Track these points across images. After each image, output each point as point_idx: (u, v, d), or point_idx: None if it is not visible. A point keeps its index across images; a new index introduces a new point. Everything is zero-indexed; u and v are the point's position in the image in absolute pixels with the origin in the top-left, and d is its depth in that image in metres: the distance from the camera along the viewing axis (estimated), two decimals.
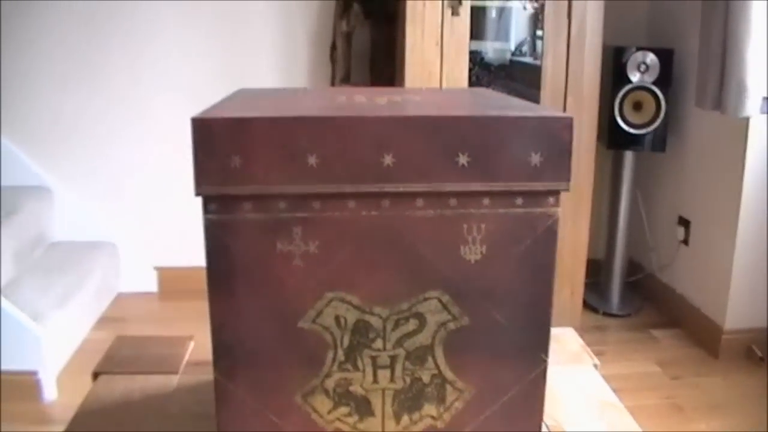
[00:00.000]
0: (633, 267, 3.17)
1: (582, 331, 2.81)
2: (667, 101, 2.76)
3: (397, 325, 0.65)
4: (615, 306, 3.06)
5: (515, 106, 0.70)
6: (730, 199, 2.57)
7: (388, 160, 0.61)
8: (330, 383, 0.66)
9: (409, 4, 2.45)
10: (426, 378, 0.67)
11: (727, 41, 2.30)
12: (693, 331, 2.82)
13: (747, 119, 2.42)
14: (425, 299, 0.64)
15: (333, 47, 2.86)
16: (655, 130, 2.80)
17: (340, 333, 0.65)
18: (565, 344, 1.12)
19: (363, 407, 0.67)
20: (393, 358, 0.66)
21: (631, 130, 2.81)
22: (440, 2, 2.47)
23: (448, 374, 0.67)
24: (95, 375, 1.03)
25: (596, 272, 3.10)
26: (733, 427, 2.21)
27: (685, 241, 2.90)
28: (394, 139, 0.60)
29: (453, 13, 2.48)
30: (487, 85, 2.79)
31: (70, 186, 3.09)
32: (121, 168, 3.06)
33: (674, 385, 2.50)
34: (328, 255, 0.63)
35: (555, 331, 1.17)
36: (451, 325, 0.65)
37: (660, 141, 2.85)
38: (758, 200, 2.52)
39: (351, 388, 0.66)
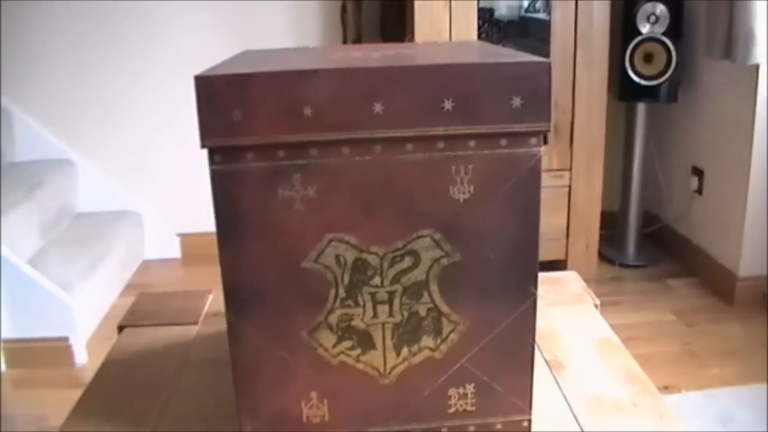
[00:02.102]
0: (648, 218, 3.19)
1: (598, 282, 2.89)
2: (677, 52, 2.77)
3: (393, 262, 0.69)
4: (631, 257, 3.09)
5: (498, 54, 0.74)
6: (742, 148, 2.58)
7: (378, 108, 0.65)
8: (333, 319, 0.71)
9: None
10: (422, 312, 0.71)
11: None
12: (708, 280, 2.86)
13: (756, 67, 2.42)
14: (418, 237, 0.69)
15: (344, 9, 2.89)
16: (667, 81, 2.81)
17: (340, 271, 0.69)
18: (568, 286, 1.16)
19: (365, 341, 0.72)
20: (391, 294, 0.70)
21: (643, 82, 2.82)
22: None
23: (443, 308, 0.71)
24: (120, 328, 1.09)
25: (612, 224, 3.13)
26: (747, 372, 2.25)
27: (699, 191, 2.92)
28: (382, 88, 0.65)
29: None
30: (497, 42, 2.80)
31: (92, 158, 3.16)
32: (141, 138, 3.12)
33: (689, 332, 2.54)
34: (326, 199, 0.67)
35: (558, 275, 1.22)
36: (444, 261, 0.70)
37: (672, 92, 2.86)
38: None
39: (353, 323, 0.71)
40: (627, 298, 2.82)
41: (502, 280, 0.71)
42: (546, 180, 2.74)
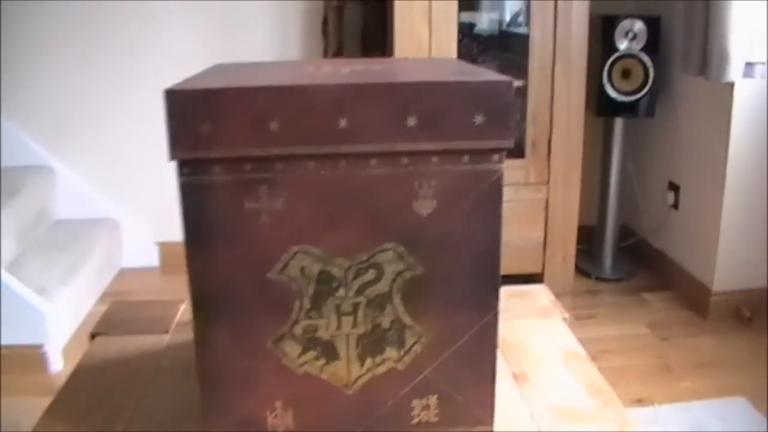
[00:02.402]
0: (625, 232, 3.23)
1: (574, 295, 2.91)
2: (655, 68, 2.81)
3: (357, 274, 0.71)
4: (607, 271, 3.12)
5: (464, 72, 0.75)
6: (717, 163, 2.62)
7: (343, 123, 0.67)
8: (298, 329, 0.72)
9: None
10: (386, 323, 0.73)
11: (710, 8, 2.35)
12: (683, 294, 2.89)
13: (732, 84, 2.46)
14: (382, 250, 0.70)
15: (325, 22, 2.90)
16: (644, 96, 2.85)
17: (305, 283, 0.71)
18: (537, 299, 1.18)
19: (329, 351, 0.73)
20: (355, 306, 0.72)
21: (620, 97, 2.86)
22: None
23: (407, 320, 0.73)
24: (92, 336, 1.09)
25: (589, 238, 3.16)
26: (720, 385, 2.28)
27: (675, 206, 2.96)
28: (347, 104, 0.66)
29: None
30: (477, 56, 2.83)
31: (72, 165, 3.15)
32: (122, 146, 3.12)
33: (663, 345, 2.57)
34: (291, 211, 0.69)
35: (528, 288, 1.24)
36: (407, 274, 0.71)
37: (649, 107, 2.89)
38: (743, 164, 2.57)
39: (317, 334, 0.73)
40: (602, 311, 2.85)
41: (464, 293, 0.73)
42: (523, 193, 2.77)
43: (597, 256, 3.15)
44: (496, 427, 0.79)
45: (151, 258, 3.21)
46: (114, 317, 1.15)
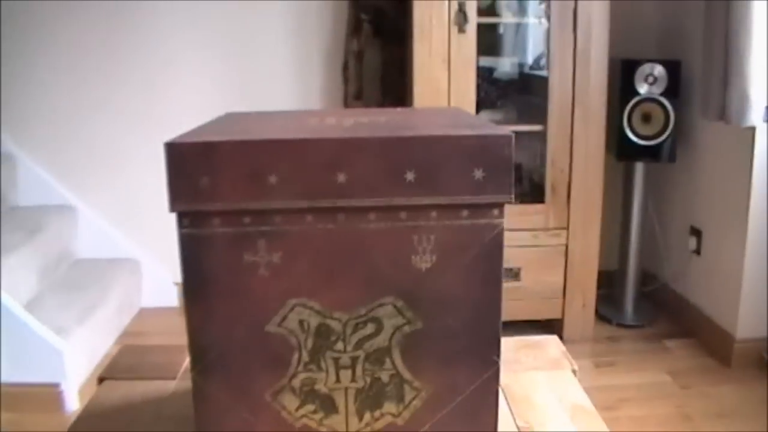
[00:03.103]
0: (647, 278, 3.19)
1: (594, 341, 2.88)
2: (675, 112, 2.79)
3: (356, 328, 0.70)
4: (628, 317, 3.08)
5: (465, 125, 0.75)
6: (739, 208, 2.59)
7: (341, 177, 0.67)
8: (296, 382, 0.72)
9: (416, 22, 2.52)
10: (385, 378, 0.72)
11: (729, 52, 2.34)
12: (705, 341, 2.84)
13: (753, 129, 2.44)
14: (381, 305, 0.70)
15: (345, 66, 2.93)
16: (665, 141, 2.83)
17: (303, 336, 0.70)
18: (546, 350, 1.17)
19: (327, 405, 0.72)
20: (354, 359, 0.71)
21: (641, 142, 2.84)
22: (447, 20, 2.53)
23: (406, 374, 0.72)
24: (100, 380, 1.10)
25: (610, 283, 3.13)
26: None
27: (698, 251, 2.92)
28: (345, 158, 0.66)
29: (459, 31, 2.54)
30: (496, 100, 2.84)
31: (93, 204, 3.19)
32: (141, 186, 3.15)
33: (684, 394, 2.52)
34: (290, 265, 0.69)
35: (538, 338, 1.22)
36: (406, 329, 0.71)
37: (670, 152, 2.87)
38: (766, 208, 2.54)
39: (316, 387, 0.72)
40: (623, 358, 2.80)
41: (464, 348, 0.72)
42: (543, 238, 2.75)
43: (618, 301, 3.12)
44: None
45: (170, 298, 3.22)
46: (123, 362, 1.16)
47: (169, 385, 1.06)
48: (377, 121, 0.80)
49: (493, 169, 0.68)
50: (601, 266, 2.87)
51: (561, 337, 1.28)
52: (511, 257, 2.73)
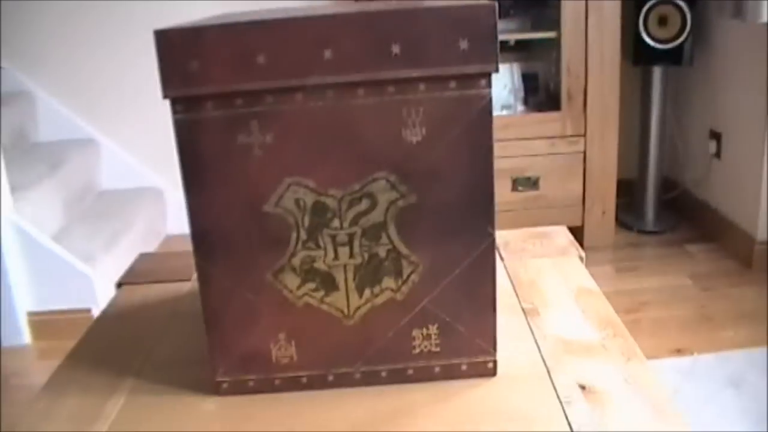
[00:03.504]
0: (667, 184, 3.17)
1: (615, 248, 2.89)
2: (692, 14, 2.74)
3: (351, 205, 0.72)
4: (650, 223, 3.08)
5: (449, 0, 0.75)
6: (757, 110, 2.56)
7: (328, 54, 0.67)
8: (296, 261, 0.74)
9: None
10: (382, 253, 0.74)
11: None
12: (727, 245, 2.84)
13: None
14: (374, 180, 0.71)
15: None
16: (682, 43, 2.78)
17: (300, 214, 0.72)
18: (554, 239, 1.18)
19: (328, 282, 0.75)
20: (350, 236, 0.73)
21: (658, 45, 2.80)
22: None
23: (402, 249, 0.74)
24: (118, 285, 1.13)
25: (630, 191, 3.12)
26: (762, 334, 2.25)
27: (717, 155, 2.90)
28: (331, 35, 0.67)
29: None
30: (509, 9, 2.79)
31: (114, 137, 3.22)
32: (161, 117, 3.16)
33: (705, 296, 2.53)
34: (283, 144, 0.70)
35: (547, 229, 1.24)
36: (401, 203, 0.72)
37: (687, 55, 2.83)
38: None
39: (315, 265, 0.74)
40: (644, 263, 2.82)
41: (458, 221, 0.73)
42: (560, 146, 2.74)
43: (638, 208, 3.11)
44: (500, 358, 0.80)
45: None
46: (140, 268, 1.19)
47: (185, 286, 1.09)
48: (365, 5, 0.81)
49: (478, 40, 0.68)
50: (620, 174, 2.86)
51: (582, 245, 1.29)
52: (529, 166, 2.73)
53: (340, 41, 0.67)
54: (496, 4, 0.67)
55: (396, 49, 0.67)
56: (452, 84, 0.69)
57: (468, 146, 0.71)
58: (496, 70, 0.68)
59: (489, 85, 0.69)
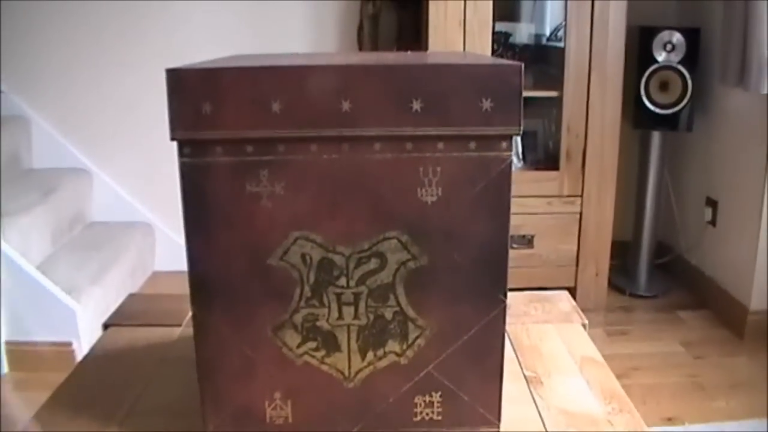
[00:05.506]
0: (661, 248, 3.16)
1: (607, 311, 2.86)
2: (693, 81, 2.75)
3: (359, 263, 0.69)
4: (642, 287, 3.06)
5: (472, 58, 0.74)
6: (755, 179, 2.55)
7: (346, 106, 0.65)
8: (298, 318, 0.70)
9: None
10: (388, 315, 0.71)
11: (749, 18, 2.29)
12: (720, 312, 2.82)
13: None
14: (385, 239, 0.68)
15: (360, 29, 2.90)
16: (682, 109, 2.79)
17: (306, 270, 0.69)
18: (557, 304, 1.15)
19: (330, 342, 0.71)
20: (356, 296, 0.70)
21: (658, 110, 2.80)
22: None
23: (410, 312, 0.71)
24: (105, 326, 1.09)
25: (624, 254, 3.10)
26: (754, 405, 2.21)
27: (713, 222, 2.89)
28: (350, 86, 0.65)
29: None
30: None
31: (108, 168, 3.19)
32: (155, 151, 3.13)
33: (697, 364, 2.50)
34: (293, 196, 0.67)
35: (549, 293, 1.21)
36: (411, 265, 0.69)
37: (687, 121, 2.83)
38: None
39: (318, 323, 0.71)
40: (636, 327, 2.79)
41: (470, 285, 0.70)
42: (557, 206, 2.73)
43: (632, 272, 3.09)
44: (503, 428, 0.77)
45: (183, 262, 3.20)
46: (129, 309, 1.15)
47: (175, 332, 1.05)
48: (385, 56, 0.79)
49: (502, 100, 0.66)
50: (615, 236, 2.84)
51: None
52: (524, 224, 2.71)
53: (360, 93, 0.65)
54: (522, 66, 0.65)
55: (417, 104, 0.65)
56: (472, 144, 0.67)
57: (485, 210, 0.68)
58: (519, 133, 0.66)
59: (510, 147, 0.67)
